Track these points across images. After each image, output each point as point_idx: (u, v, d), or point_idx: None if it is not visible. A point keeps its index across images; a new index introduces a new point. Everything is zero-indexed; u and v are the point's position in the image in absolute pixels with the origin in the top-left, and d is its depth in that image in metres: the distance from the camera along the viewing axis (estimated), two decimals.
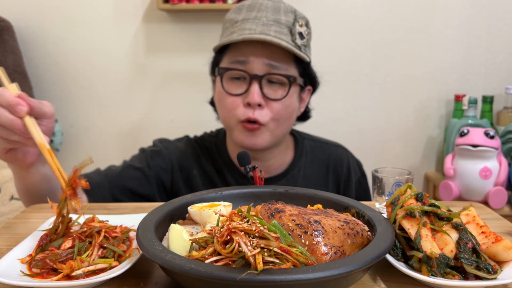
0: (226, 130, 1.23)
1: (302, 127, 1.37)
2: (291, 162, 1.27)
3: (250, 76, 1.09)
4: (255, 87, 1.09)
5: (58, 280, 0.64)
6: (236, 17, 1.13)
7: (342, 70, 1.90)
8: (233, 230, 0.57)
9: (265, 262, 0.54)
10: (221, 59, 1.17)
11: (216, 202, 0.79)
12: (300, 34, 1.13)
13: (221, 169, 1.25)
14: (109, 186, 1.17)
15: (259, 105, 1.09)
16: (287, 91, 1.12)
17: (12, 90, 0.80)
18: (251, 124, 1.10)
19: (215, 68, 1.18)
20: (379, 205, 0.90)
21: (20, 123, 0.79)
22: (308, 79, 1.19)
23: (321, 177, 1.28)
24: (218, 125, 1.30)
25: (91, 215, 0.81)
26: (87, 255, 0.68)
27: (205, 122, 1.91)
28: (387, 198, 0.88)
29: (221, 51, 1.17)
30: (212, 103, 1.29)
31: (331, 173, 1.29)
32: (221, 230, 0.58)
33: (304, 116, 1.28)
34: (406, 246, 0.70)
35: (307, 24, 1.16)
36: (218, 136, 1.31)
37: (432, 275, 0.64)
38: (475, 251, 0.66)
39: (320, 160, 1.29)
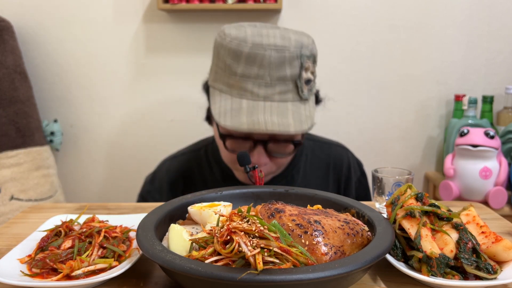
0: None
1: None
2: (290, 162, 1.26)
3: (255, 141, 1.04)
4: (260, 150, 1.04)
5: (58, 280, 0.64)
6: (233, 67, 1.00)
7: (342, 70, 1.90)
8: (233, 230, 0.57)
9: (265, 262, 0.54)
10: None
11: (216, 202, 0.79)
12: (307, 80, 1.04)
13: (221, 177, 1.24)
14: None
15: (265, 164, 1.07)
16: (293, 149, 1.09)
17: None
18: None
19: (209, 105, 1.11)
20: (379, 205, 0.90)
21: None
22: None
23: (321, 177, 1.28)
24: None
25: (91, 215, 0.81)
26: (87, 255, 0.68)
27: (204, 123, 1.91)
28: (387, 198, 0.88)
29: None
30: (208, 118, 1.24)
31: (331, 172, 1.28)
32: (221, 230, 0.58)
33: None
34: (406, 246, 0.70)
35: (314, 61, 1.06)
36: (214, 143, 1.29)
37: (432, 275, 0.64)
38: (475, 251, 0.66)
39: (320, 160, 1.29)
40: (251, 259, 0.54)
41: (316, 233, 0.63)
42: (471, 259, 0.65)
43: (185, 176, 1.27)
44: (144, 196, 1.30)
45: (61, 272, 0.65)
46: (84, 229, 0.73)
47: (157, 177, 1.30)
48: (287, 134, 0.99)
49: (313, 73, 1.06)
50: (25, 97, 1.73)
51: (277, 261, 0.55)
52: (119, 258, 0.70)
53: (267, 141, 1.04)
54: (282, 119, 0.98)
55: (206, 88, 1.18)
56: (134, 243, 0.74)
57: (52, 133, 1.84)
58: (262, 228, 0.57)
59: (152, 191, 1.29)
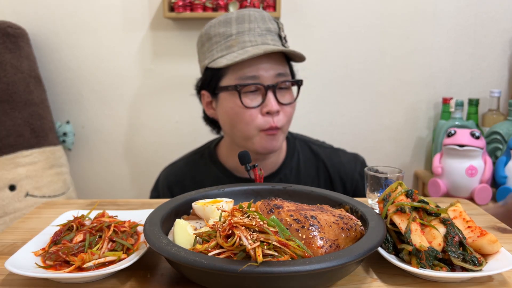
0: (240, 141, 1.15)
1: (302, 129, 1.36)
2: (283, 162, 1.25)
3: (265, 88, 1.08)
4: (271, 97, 1.08)
5: (70, 271, 0.64)
6: (228, 31, 1.09)
7: (337, 75, 1.90)
8: (234, 224, 0.57)
9: (264, 255, 0.54)
10: (222, 75, 1.11)
11: (219, 199, 0.79)
12: (285, 38, 1.15)
13: (217, 177, 1.24)
14: None
15: (277, 111, 1.09)
16: (294, 94, 1.14)
17: None
18: (273, 130, 1.10)
19: (214, 85, 1.14)
20: (371, 201, 0.90)
21: None
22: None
23: (312, 176, 1.27)
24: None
25: (101, 211, 0.81)
26: (98, 248, 0.68)
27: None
28: (379, 194, 0.88)
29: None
30: (206, 118, 1.26)
31: (322, 172, 1.27)
32: (223, 224, 0.58)
33: None
34: (397, 239, 0.70)
35: (283, 29, 1.18)
36: (210, 147, 1.29)
37: (421, 267, 0.64)
38: (461, 244, 0.66)
39: (310, 160, 1.28)
40: (252, 252, 0.54)
41: (312, 227, 0.63)
42: (458, 252, 0.65)
43: (182, 180, 1.27)
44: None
45: (73, 264, 0.65)
46: (95, 224, 0.73)
47: (159, 184, 1.33)
48: (291, 51, 1.08)
49: (286, 36, 1.16)
50: (39, 100, 1.73)
51: (276, 254, 0.55)
52: (128, 251, 0.70)
53: (275, 86, 1.08)
54: (273, 45, 1.09)
55: (198, 89, 1.23)
56: (142, 237, 0.74)
57: (64, 134, 1.84)
58: (261, 223, 0.57)
59: (157, 197, 1.32)
